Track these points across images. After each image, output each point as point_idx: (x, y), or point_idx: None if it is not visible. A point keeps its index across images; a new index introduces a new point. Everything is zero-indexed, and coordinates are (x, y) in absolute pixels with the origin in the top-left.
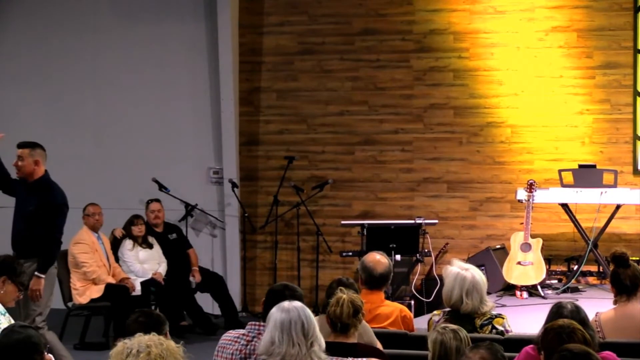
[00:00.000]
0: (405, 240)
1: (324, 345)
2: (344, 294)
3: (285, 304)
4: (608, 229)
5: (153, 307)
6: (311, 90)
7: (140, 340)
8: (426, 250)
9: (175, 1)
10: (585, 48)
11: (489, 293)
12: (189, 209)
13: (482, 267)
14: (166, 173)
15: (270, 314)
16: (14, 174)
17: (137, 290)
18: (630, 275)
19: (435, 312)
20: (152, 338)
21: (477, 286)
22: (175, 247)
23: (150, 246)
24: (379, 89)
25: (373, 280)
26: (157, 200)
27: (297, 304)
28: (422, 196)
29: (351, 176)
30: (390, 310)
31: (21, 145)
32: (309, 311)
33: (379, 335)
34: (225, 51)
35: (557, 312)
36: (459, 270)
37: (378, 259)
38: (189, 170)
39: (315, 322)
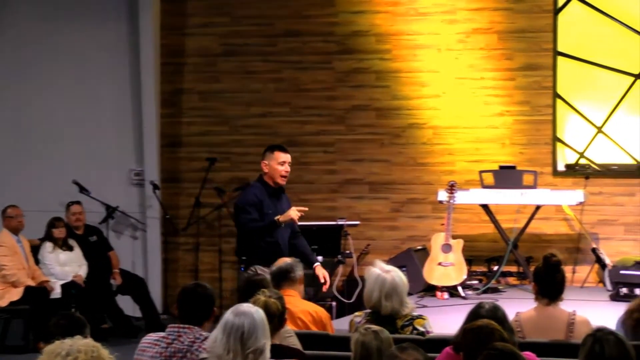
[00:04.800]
0: (326, 241)
1: (268, 356)
2: (262, 297)
3: (244, 306)
4: (528, 230)
5: (73, 310)
6: (234, 92)
7: (76, 343)
8: (348, 252)
9: (96, 2)
10: (505, 50)
11: (410, 294)
12: (110, 211)
13: (404, 268)
14: (87, 175)
15: (227, 312)
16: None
17: (58, 292)
18: (558, 282)
19: (356, 313)
20: (88, 343)
21: (396, 289)
22: (96, 250)
23: (71, 248)
24: (301, 90)
25: (271, 278)
26: (78, 203)
27: (253, 309)
28: (344, 197)
29: None
30: (299, 310)
31: (287, 150)
32: (260, 321)
33: (300, 336)
34: (147, 52)
35: (476, 312)
36: (380, 272)
37: (281, 259)
38: (110, 172)
39: (263, 332)
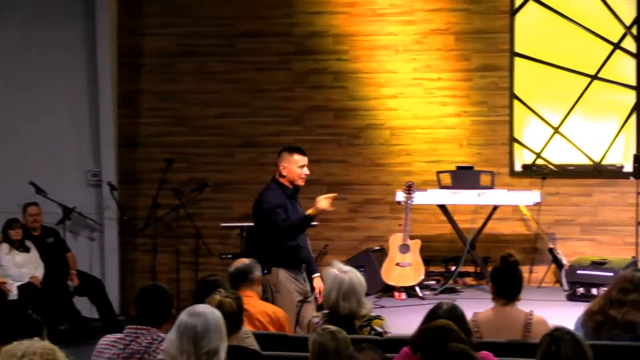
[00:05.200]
0: None
1: (223, 357)
2: (217, 296)
3: (200, 307)
4: (486, 230)
5: (30, 312)
6: (192, 93)
7: (33, 345)
8: None
9: (53, 2)
10: (462, 51)
11: (368, 294)
12: (67, 212)
13: (362, 269)
14: (44, 176)
15: (182, 312)
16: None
17: (14, 294)
18: (515, 282)
19: (314, 313)
20: (45, 345)
21: (354, 289)
22: (53, 251)
23: (27, 250)
24: (259, 91)
25: (230, 279)
26: (35, 204)
27: (208, 310)
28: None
29: (232, 178)
30: (257, 311)
31: (305, 152)
32: (215, 322)
33: (258, 337)
34: (104, 53)
35: (434, 312)
36: (338, 273)
37: (239, 260)
38: (67, 172)
39: (217, 333)
